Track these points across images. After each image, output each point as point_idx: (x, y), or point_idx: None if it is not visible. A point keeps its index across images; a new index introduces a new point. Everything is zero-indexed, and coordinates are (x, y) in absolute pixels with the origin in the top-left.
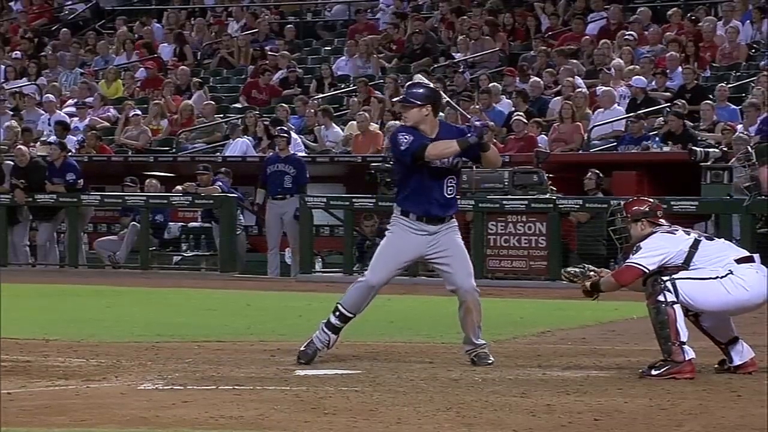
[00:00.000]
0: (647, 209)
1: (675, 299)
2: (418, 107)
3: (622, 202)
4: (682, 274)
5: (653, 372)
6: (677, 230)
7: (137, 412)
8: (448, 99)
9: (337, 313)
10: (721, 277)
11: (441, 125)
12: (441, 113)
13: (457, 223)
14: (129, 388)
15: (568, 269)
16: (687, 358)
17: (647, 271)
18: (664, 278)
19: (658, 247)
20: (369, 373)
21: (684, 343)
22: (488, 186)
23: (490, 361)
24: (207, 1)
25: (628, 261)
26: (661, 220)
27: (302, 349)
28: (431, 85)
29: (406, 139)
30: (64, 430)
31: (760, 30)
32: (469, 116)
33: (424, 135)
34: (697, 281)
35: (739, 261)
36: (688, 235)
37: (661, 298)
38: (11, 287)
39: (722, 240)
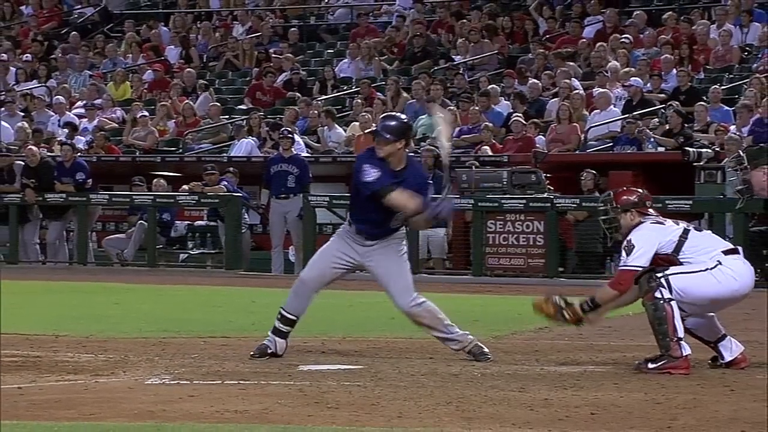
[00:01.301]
0: (636, 199)
1: (670, 295)
2: (392, 143)
3: (611, 192)
4: (673, 269)
5: (650, 365)
6: (666, 221)
7: (145, 407)
8: (446, 164)
9: (279, 316)
10: (711, 269)
11: (409, 162)
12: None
13: (400, 237)
14: (136, 383)
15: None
16: (684, 354)
17: (642, 269)
18: (658, 275)
19: (648, 242)
20: (371, 368)
21: (681, 339)
22: (487, 185)
23: (488, 357)
24: (213, 4)
25: (621, 266)
26: (650, 209)
27: (257, 348)
28: (404, 119)
29: (373, 172)
30: (73, 423)
31: (746, 34)
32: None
33: (389, 167)
34: (688, 275)
35: (726, 252)
36: (677, 225)
37: (658, 294)
38: (22, 284)
39: (709, 232)
